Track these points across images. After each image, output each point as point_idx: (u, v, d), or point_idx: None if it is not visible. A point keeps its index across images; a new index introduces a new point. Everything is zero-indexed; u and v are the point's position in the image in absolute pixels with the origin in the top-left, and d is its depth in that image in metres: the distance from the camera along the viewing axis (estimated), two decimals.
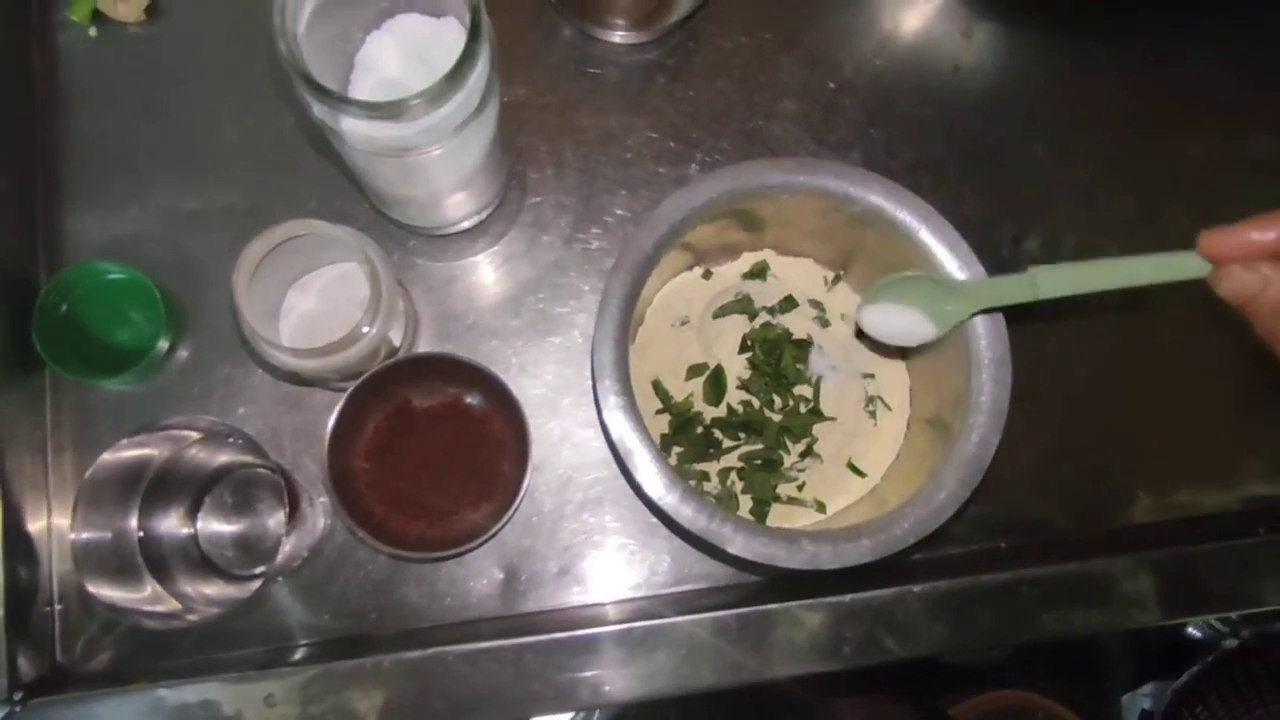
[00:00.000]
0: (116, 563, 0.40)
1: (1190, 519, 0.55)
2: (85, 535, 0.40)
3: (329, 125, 0.39)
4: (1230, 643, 0.79)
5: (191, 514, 0.47)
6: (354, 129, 0.38)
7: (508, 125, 0.53)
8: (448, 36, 0.42)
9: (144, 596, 0.41)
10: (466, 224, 0.53)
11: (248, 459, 0.48)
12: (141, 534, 0.42)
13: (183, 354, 0.53)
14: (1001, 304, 0.44)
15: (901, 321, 0.45)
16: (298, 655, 0.49)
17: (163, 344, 0.50)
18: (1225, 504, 0.56)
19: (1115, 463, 0.55)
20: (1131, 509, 0.55)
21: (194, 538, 0.47)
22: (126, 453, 0.41)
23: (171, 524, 0.46)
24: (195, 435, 0.43)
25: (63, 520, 0.50)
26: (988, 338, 0.46)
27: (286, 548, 0.43)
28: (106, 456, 0.40)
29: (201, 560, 0.47)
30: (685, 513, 0.43)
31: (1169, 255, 0.38)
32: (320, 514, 0.51)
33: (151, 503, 0.43)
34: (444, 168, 0.43)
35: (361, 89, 0.43)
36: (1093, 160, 0.58)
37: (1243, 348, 0.56)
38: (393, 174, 0.43)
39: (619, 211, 0.55)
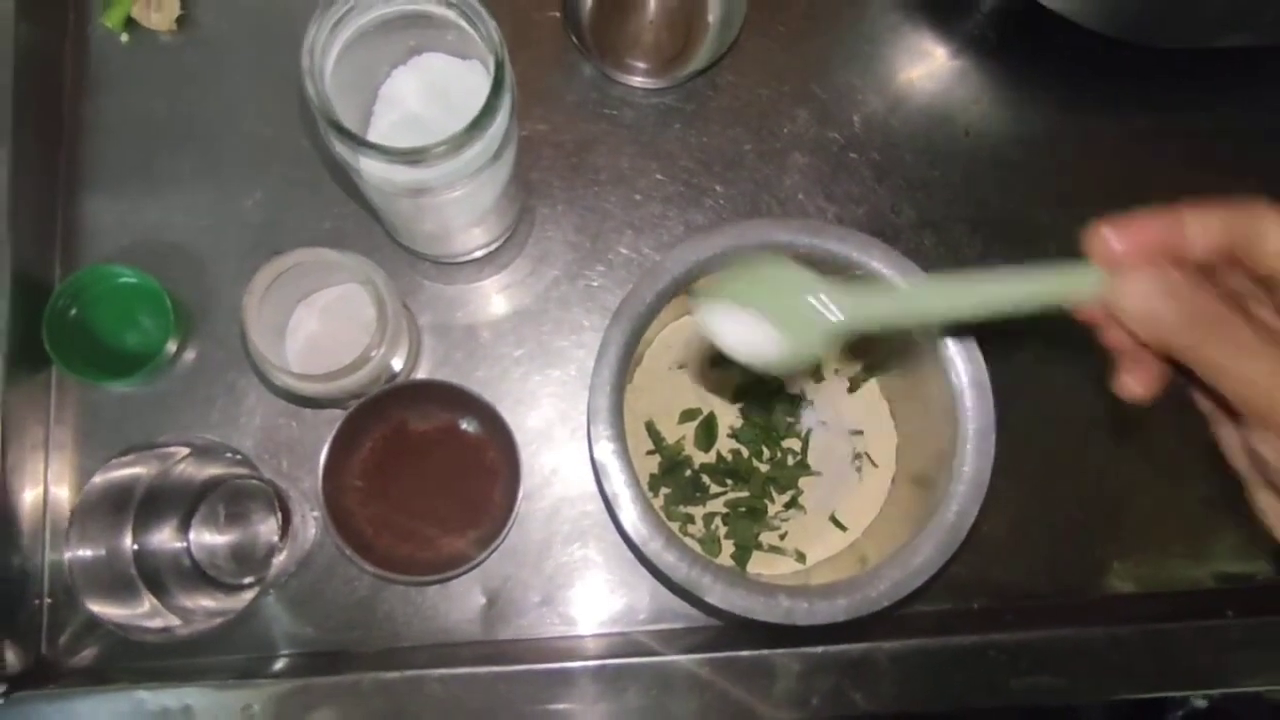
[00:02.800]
0: (113, 580, 0.41)
1: (1162, 594, 0.56)
2: (81, 555, 0.40)
3: (348, 162, 0.40)
4: (1200, 702, 0.80)
5: (184, 527, 0.48)
6: (373, 169, 0.39)
7: (523, 160, 0.54)
8: (471, 79, 0.43)
9: (141, 612, 0.42)
10: (477, 254, 0.54)
11: (240, 472, 0.49)
12: (136, 548, 0.43)
13: (188, 359, 0.54)
14: (873, 321, 0.35)
15: (748, 332, 0.35)
16: (278, 666, 0.50)
17: (169, 349, 0.51)
18: (1198, 580, 0.57)
19: (1091, 531, 0.56)
20: (1105, 578, 0.56)
21: (187, 550, 0.48)
22: (117, 472, 0.42)
23: (164, 538, 0.47)
24: (185, 450, 0.44)
25: (56, 515, 0.51)
26: (974, 408, 0.47)
27: (278, 562, 0.44)
28: (97, 479, 0.41)
29: (194, 571, 0.48)
30: (667, 560, 0.44)
31: (1056, 268, 0.31)
32: (311, 526, 0.51)
33: (144, 519, 0.44)
34: (459, 208, 0.44)
35: (383, 123, 0.44)
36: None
37: None
38: (408, 210, 0.44)
39: (625, 252, 0.56)
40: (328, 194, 0.55)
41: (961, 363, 0.47)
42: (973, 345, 0.47)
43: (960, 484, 0.46)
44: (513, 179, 0.47)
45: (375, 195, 0.43)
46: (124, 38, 0.56)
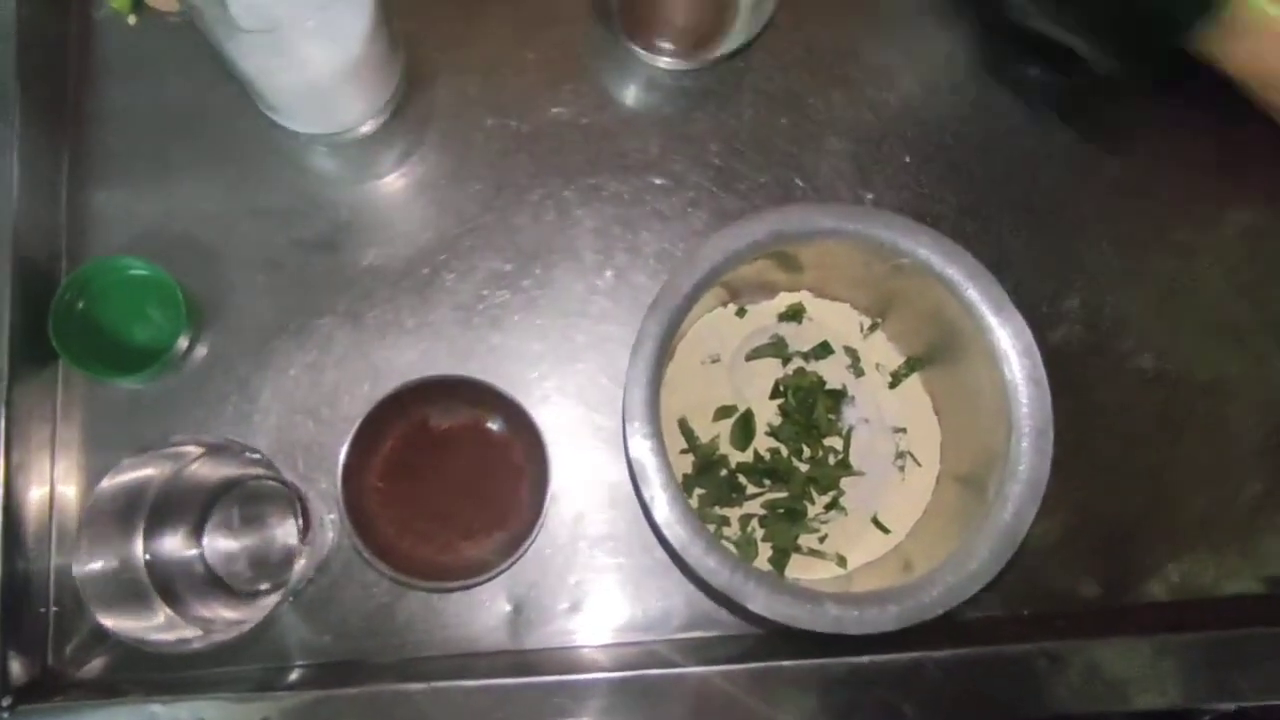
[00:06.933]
0: (126, 592, 0.39)
1: (1216, 600, 0.53)
2: (91, 569, 0.38)
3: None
4: (1228, 706, 0.78)
5: (197, 532, 0.46)
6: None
7: (511, 111, 0.53)
8: None
9: (157, 624, 0.39)
10: (366, 128, 0.52)
11: (257, 473, 0.47)
12: (148, 557, 0.41)
13: (199, 354, 0.52)
14: None
15: None
16: (294, 676, 0.48)
17: (181, 344, 0.49)
18: (1252, 586, 0.54)
19: (1144, 536, 0.54)
20: (1157, 584, 0.53)
21: (200, 556, 0.46)
22: (126, 475, 0.40)
23: (177, 544, 0.44)
24: (199, 450, 0.42)
25: (64, 518, 0.49)
26: (1030, 405, 0.44)
27: (299, 567, 0.42)
28: (106, 483, 0.38)
29: (209, 579, 0.45)
30: (708, 565, 0.42)
31: None
32: (329, 530, 0.49)
33: (156, 524, 0.41)
34: (322, 49, 0.43)
35: None
36: (1139, 222, 0.56)
37: None
38: (273, 64, 0.43)
39: (655, 241, 0.54)
40: (344, 180, 0.53)
41: (1017, 357, 0.44)
42: (1029, 338, 0.45)
43: (1016, 484, 0.43)
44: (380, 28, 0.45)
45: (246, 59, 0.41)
46: (132, 20, 0.54)
